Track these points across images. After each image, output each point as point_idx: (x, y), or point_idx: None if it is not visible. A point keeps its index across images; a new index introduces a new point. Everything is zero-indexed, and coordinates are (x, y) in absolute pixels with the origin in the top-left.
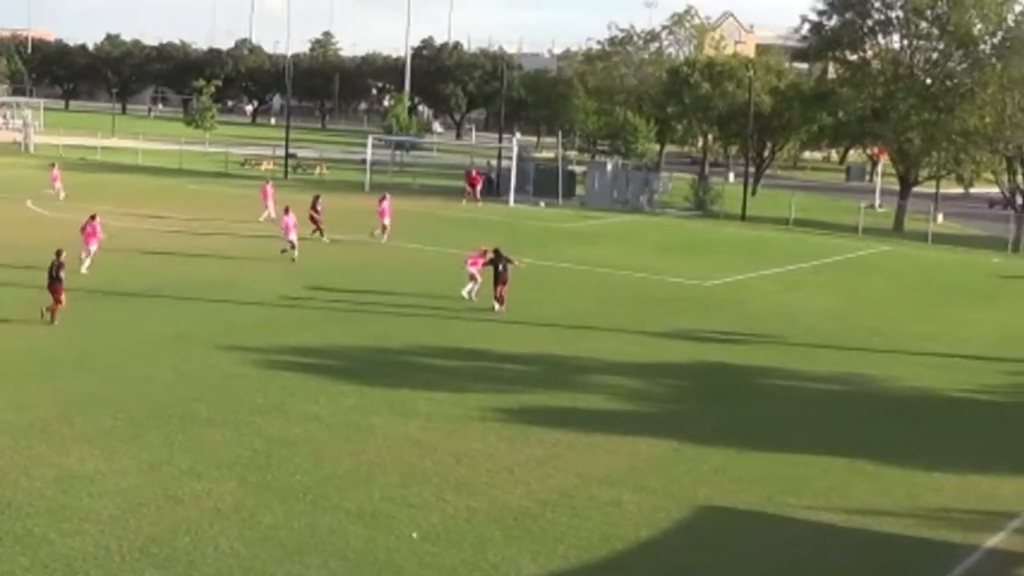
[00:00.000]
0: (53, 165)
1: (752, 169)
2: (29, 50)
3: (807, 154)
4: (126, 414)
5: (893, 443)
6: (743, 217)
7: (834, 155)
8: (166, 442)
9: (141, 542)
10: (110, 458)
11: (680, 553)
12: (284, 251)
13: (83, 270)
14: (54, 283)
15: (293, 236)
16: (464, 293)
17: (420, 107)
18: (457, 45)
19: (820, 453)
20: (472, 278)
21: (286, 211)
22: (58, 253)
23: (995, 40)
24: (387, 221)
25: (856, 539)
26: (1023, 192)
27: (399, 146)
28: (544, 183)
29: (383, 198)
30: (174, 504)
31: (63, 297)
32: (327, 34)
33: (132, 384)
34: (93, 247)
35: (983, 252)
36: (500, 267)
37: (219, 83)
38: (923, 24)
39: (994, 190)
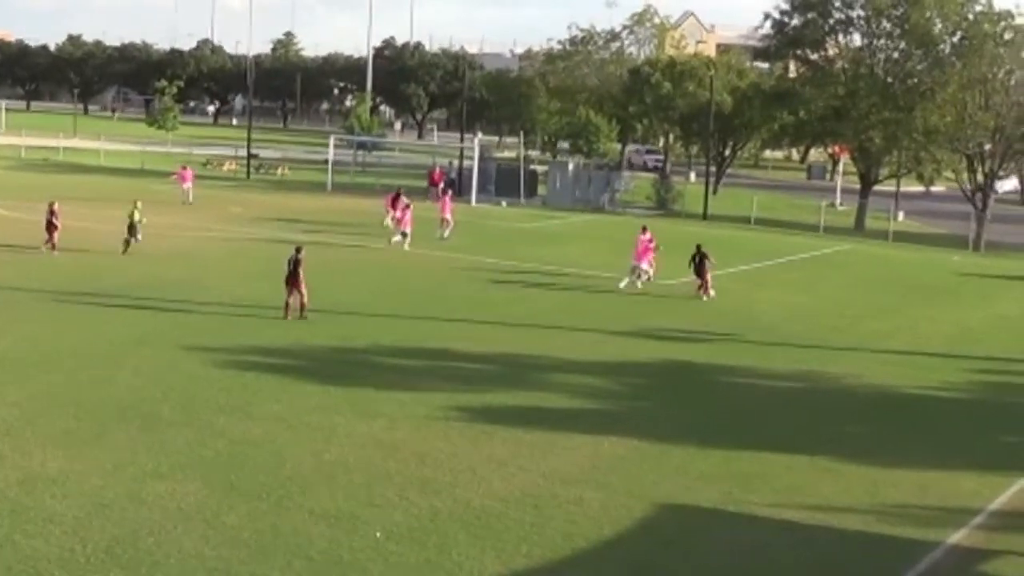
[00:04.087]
0: (184, 166)
1: (713, 168)
2: None
3: (768, 153)
4: (89, 415)
5: (854, 440)
6: (705, 216)
7: (795, 154)
8: (130, 443)
9: (106, 543)
10: (74, 459)
11: (642, 551)
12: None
13: (406, 247)
14: (293, 278)
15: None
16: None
17: (382, 107)
18: (419, 45)
19: (781, 451)
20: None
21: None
22: (298, 250)
23: (955, 40)
24: None
25: (817, 536)
26: (983, 190)
27: (361, 146)
28: (506, 183)
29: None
30: (138, 505)
31: (304, 289)
32: (289, 34)
33: (95, 385)
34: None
35: (943, 250)
36: (699, 262)
37: (181, 84)
38: (884, 23)
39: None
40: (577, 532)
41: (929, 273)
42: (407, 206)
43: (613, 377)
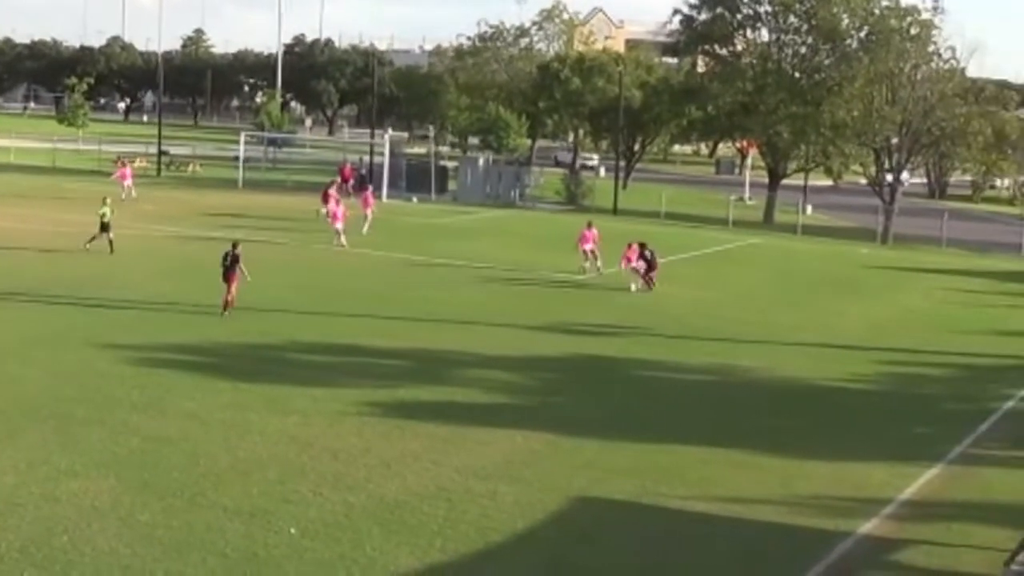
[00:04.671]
0: (123, 163)
1: (623, 163)
2: None
3: (677, 148)
4: (2, 414)
5: (766, 432)
6: (615, 211)
7: (704, 149)
8: (43, 442)
9: (20, 542)
10: None
11: (556, 544)
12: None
13: (343, 241)
14: (230, 273)
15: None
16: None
17: (292, 104)
18: (329, 42)
19: (695, 443)
20: (634, 271)
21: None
22: (234, 245)
23: (862, 35)
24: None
25: (730, 527)
26: (891, 184)
27: (272, 143)
28: (417, 179)
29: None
30: (52, 504)
31: (235, 288)
32: (199, 31)
33: (8, 384)
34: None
35: (852, 244)
36: (649, 257)
37: (91, 81)
38: (792, 19)
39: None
40: (491, 526)
41: (838, 266)
42: (338, 201)
43: (527, 372)
